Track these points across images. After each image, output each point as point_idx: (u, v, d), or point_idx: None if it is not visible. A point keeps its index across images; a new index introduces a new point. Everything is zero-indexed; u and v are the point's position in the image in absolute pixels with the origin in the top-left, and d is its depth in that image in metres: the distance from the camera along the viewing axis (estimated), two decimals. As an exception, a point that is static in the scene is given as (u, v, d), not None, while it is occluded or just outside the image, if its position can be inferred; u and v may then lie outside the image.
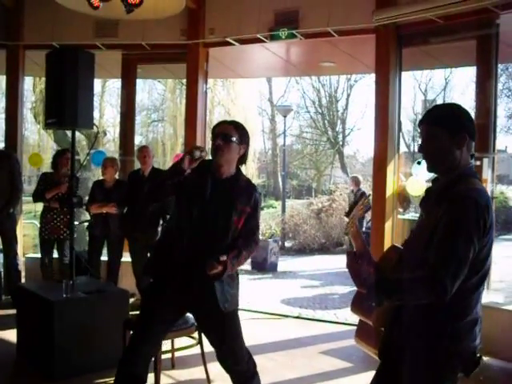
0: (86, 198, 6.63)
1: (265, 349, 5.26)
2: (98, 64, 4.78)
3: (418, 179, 6.00)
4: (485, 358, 2.28)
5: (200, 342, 4.27)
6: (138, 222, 6.03)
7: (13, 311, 5.13)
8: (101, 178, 6.72)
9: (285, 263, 12.27)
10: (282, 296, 8.27)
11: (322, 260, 13.21)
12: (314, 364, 4.91)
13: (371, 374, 2.48)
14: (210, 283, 2.99)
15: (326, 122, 27.93)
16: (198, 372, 4.40)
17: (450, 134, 2.22)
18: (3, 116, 8.74)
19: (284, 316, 6.75)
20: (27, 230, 8.38)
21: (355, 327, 2.69)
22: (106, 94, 21.15)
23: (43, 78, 9.64)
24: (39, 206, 6.60)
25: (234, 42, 6.82)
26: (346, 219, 2.58)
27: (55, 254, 6.60)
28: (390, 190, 6.00)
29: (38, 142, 17.90)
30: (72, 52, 4.64)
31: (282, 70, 9.98)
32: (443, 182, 2.26)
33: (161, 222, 6.10)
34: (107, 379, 4.16)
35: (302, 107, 28.49)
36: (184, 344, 4.48)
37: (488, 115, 5.60)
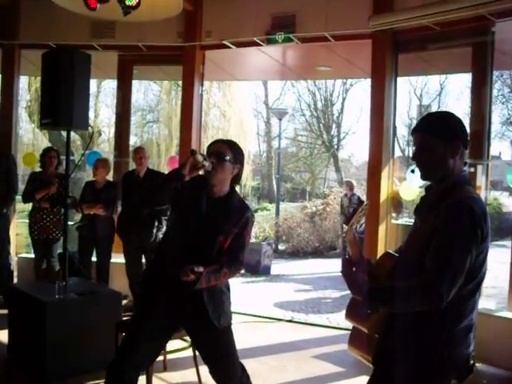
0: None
1: (257, 352, 5.26)
2: (93, 64, 4.77)
3: (411, 184, 6.02)
4: (477, 365, 2.28)
5: (192, 345, 4.26)
6: (132, 223, 6.02)
7: (4, 311, 5.11)
8: (92, 178, 6.71)
9: (278, 266, 12.27)
10: (275, 299, 8.27)
11: (316, 264, 13.21)
12: (307, 368, 4.91)
13: (363, 378, 2.49)
14: (201, 300, 2.97)
15: (321, 125, 27.96)
16: (190, 374, 4.39)
17: (443, 143, 2.22)
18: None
19: (277, 320, 6.75)
20: (20, 229, 8.35)
21: (348, 332, 2.70)
22: (102, 94, 21.16)
23: (38, 77, 9.61)
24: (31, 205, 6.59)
25: (230, 45, 6.83)
26: (346, 227, 2.59)
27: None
28: (384, 194, 6.01)
29: (33, 141, 17.85)
30: (68, 52, 4.63)
31: (278, 74, 9.98)
32: (438, 190, 2.27)
33: (156, 223, 6.08)
34: (99, 381, 4.13)
35: (297, 110, 28.51)
36: (176, 346, 4.47)
37: (482, 122, 5.63)
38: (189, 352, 4.34)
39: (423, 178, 2.32)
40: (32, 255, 6.81)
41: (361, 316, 2.43)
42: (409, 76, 15.82)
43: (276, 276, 11.23)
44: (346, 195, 11.61)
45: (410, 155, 2.36)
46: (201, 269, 2.78)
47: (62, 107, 4.46)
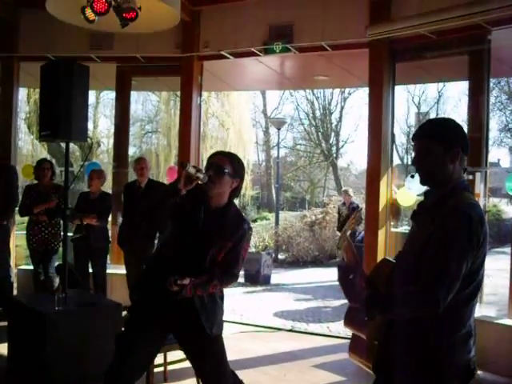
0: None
1: (258, 362, 5.25)
2: (92, 75, 4.79)
3: (408, 191, 6.03)
4: (478, 372, 2.28)
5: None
6: (133, 234, 6.01)
7: (4, 323, 5.09)
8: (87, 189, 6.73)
9: (278, 276, 12.25)
10: (275, 309, 8.25)
11: (316, 273, 13.19)
12: (307, 378, 4.89)
13: (364, 388, 2.48)
14: (194, 308, 2.97)
15: (319, 134, 28.01)
16: (190, 385, 4.38)
17: (443, 149, 2.24)
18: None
19: (277, 329, 6.74)
20: (19, 240, 8.34)
21: (348, 341, 2.70)
22: (101, 105, 21.24)
23: (37, 89, 9.64)
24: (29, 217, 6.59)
25: (228, 56, 6.86)
26: (339, 233, 2.59)
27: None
28: (383, 202, 6.02)
29: (32, 152, 17.88)
30: (67, 64, 4.64)
31: (276, 83, 10.02)
32: (436, 196, 2.27)
33: (157, 234, 6.08)
34: (99, 393, 4.14)
35: (295, 119, 28.63)
36: (176, 357, 4.45)
37: (480, 129, 5.65)
38: (189, 363, 4.32)
39: (422, 183, 2.33)
40: (31, 267, 6.80)
41: (359, 323, 2.43)
42: (406, 84, 15.88)
43: (276, 285, 11.22)
44: (343, 204, 11.62)
45: (410, 162, 2.37)
46: (185, 281, 2.76)
47: (61, 119, 4.46)
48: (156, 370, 4.19)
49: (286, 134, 28.71)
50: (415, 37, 5.73)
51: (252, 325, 6.88)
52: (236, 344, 5.63)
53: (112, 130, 12.74)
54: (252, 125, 24.90)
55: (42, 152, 17.74)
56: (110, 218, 6.94)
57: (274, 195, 22.82)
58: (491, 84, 5.69)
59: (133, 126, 18.26)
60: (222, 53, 6.84)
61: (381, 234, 5.99)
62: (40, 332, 4.28)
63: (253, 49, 6.63)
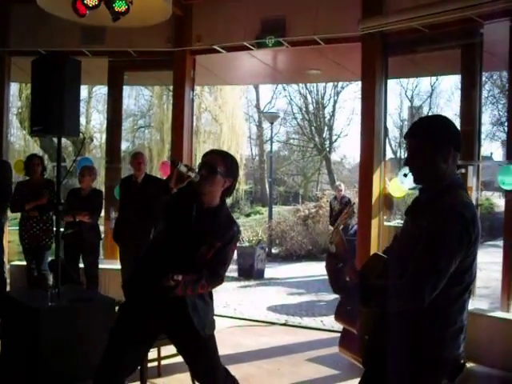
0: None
1: (251, 356, 5.26)
2: (84, 70, 4.76)
3: (400, 184, 6.04)
4: (469, 365, 2.30)
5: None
6: (129, 229, 5.99)
7: (-2, 319, 5.09)
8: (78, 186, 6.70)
9: (271, 270, 12.26)
10: (269, 303, 8.26)
11: (309, 267, 13.21)
12: (301, 371, 4.91)
13: (358, 381, 2.48)
14: (185, 310, 2.96)
15: (312, 128, 28.03)
16: (184, 380, 4.36)
17: (435, 148, 2.24)
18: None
19: (270, 323, 6.75)
20: (12, 236, 8.31)
21: (341, 335, 2.70)
22: (93, 100, 21.16)
23: (29, 84, 9.60)
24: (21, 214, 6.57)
25: (220, 50, 6.85)
26: (332, 228, 2.57)
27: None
28: (375, 196, 6.03)
29: (24, 148, 17.80)
30: (58, 59, 4.61)
31: (269, 77, 10.01)
32: (431, 193, 2.28)
33: (152, 230, 6.06)
34: (93, 388, 4.13)
35: (288, 114, 28.62)
36: (170, 352, 4.45)
37: (473, 123, 5.67)
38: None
39: (416, 182, 2.34)
40: (24, 262, 6.78)
41: (350, 317, 2.44)
42: (399, 78, 15.89)
43: (269, 279, 11.23)
44: (335, 198, 11.65)
45: (403, 157, 2.37)
46: (180, 277, 2.75)
47: (53, 114, 4.43)
48: (150, 364, 4.19)
49: (279, 129, 28.76)
50: (408, 30, 5.73)
51: (246, 319, 6.89)
52: (229, 338, 5.64)
53: (104, 125, 12.69)
54: (245, 119, 24.91)
55: (35, 147, 17.67)
56: (102, 214, 6.93)
57: (268, 189, 22.83)
58: (484, 78, 5.71)
59: (125, 120, 18.20)
60: (215, 47, 6.82)
61: (374, 227, 6.01)
62: (33, 328, 4.27)
63: (245, 43, 6.61)
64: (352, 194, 13.24)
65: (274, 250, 15.07)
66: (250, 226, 15.92)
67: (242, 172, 20.74)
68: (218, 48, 6.83)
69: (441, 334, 2.19)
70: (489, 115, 23.31)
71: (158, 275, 2.85)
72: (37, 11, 5.16)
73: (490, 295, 6.90)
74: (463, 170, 5.53)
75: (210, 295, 3.17)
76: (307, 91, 27.31)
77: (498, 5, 4.95)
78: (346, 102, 41.39)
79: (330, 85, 26.59)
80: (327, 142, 28.37)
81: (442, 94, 37.56)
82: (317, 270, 12.43)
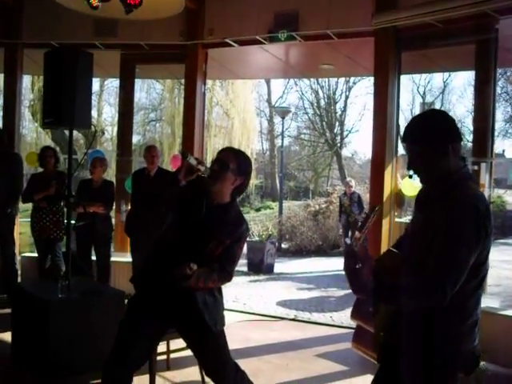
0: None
1: (260, 351, 5.25)
2: (96, 63, 4.77)
3: (413, 181, 5.99)
4: (481, 363, 2.28)
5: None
6: (141, 222, 5.99)
7: (8, 310, 5.11)
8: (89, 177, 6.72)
9: (281, 265, 12.26)
10: (278, 298, 8.26)
11: (319, 262, 13.20)
12: (310, 367, 4.90)
13: (367, 377, 2.48)
14: (196, 306, 2.96)
15: (324, 123, 27.97)
16: (193, 373, 4.39)
17: (430, 147, 2.22)
18: (1, 114, 8.74)
19: (280, 318, 6.74)
20: (23, 228, 8.35)
21: (351, 330, 2.69)
22: (105, 93, 21.23)
23: (41, 76, 9.63)
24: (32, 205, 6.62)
25: (233, 43, 6.83)
26: (358, 234, 2.53)
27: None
28: (387, 192, 6.00)
29: (36, 140, 17.90)
30: (71, 52, 4.62)
31: (281, 72, 9.98)
32: (441, 188, 2.25)
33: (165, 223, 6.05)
34: (102, 380, 4.15)
35: (300, 108, 28.58)
36: (179, 346, 4.46)
37: (486, 119, 5.61)
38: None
39: (422, 183, 2.35)
40: (35, 254, 6.82)
41: (366, 315, 2.42)
42: (412, 74, 15.82)
43: (279, 274, 11.22)
44: (345, 194, 11.63)
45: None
46: (195, 267, 2.76)
47: (65, 106, 4.44)
48: (159, 358, 4.19)
49: (291, 123, 28.72)
50: (421, 25, 5.68)
51: (255, 314, 6.89)
52: (239, 333, 5.64)
53: (116, 118, 12.73)
54: (256, 114, 24.87)
55: (46, 140, 17.76)
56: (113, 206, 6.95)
57: (278, 184, 22.81)
58: (497, 74, 5.65)
59: (137, 114, 18.28)
60: (227, 40, 6.80)
61: (385, 224, 5.98)
62: (43, 319, 4.29)
63: (258, 37, 6.59)
64: (363, 190, 13.21)
65: (283, 245, 15.07)
66: (260, 221, 15.91)
67: (252, 167, 20.69)
68: (230, 42, 6.80)
69: (457, 329, 2.18)
70: (502, 112, 23.17)
71: (167, 270, 2.86)
72: (50, 4, 5.17)
73: (501, 293, 6.86)
74: (476, 167, 5.49)
75: (220, 291, 3.17)
76: (319, 86, 27.30)
77: (513, 0, 4.90)
78: (358, 98, 41.38)
79: (341, 80, 26.55)
80: (338, 138, 28.31)
81: (455, 91, 37.33)
82: (327, 265, 12.43)
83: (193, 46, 7.03)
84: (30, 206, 6.79)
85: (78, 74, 4.49)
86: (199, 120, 7.19)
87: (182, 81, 8.58)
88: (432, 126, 2.26)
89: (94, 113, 16.01)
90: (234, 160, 3.02)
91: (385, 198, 5.97)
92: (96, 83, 18.06)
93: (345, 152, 29.27)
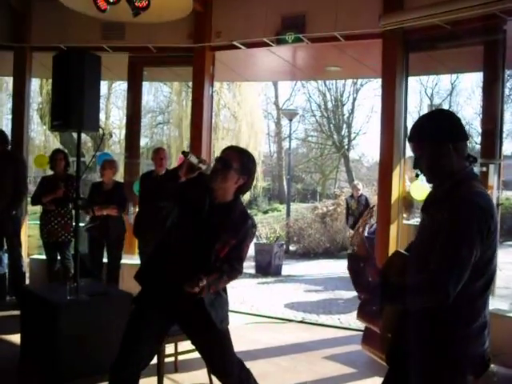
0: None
1: (268, 353, 5.25)
2: (104, 66, 4.79)
3: (422, 184, 5.98)
4: (491, 366, 2.27)
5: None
6: (150, 224, 5.99)
7: (17, 312, 5.14)
8: (99, 179, 6.74)
9: (289, 267, 12.25)
10: (286, 300, 8.25)
11: (327, 264, 13.18)
12: (318, 369, 4.89)
13: (376, 379, 2.48)
14: (202, 305, 2.96)
15: (331, 125, 27.91)
16: (200, 375, 4.39)
17: (431, 146, 2.24)
18: (10, 117, 8.80)
19: (288, 320, 6.74)
20: (32, 230, 8.39)
21: (359, 332, 2.68)
22: (113, 95, 21.27)
23: (50, 80, 9.67)
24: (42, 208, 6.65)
25: (240, 46, 6.83)
26: (352, 231, 2.56)
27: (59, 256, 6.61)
28: (395, 195, 5.98)
29: (44, 143, 18.00)
30: (79, 54, 4.65)
31: (288, 74, 9.97)
32: (445, 188, 2.26)
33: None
34: (110, 382, 4.16)
35: (307, 111, 28.50)
36: (187, 348, 4.46)
37: (494, 121, 5.59)
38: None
39: (428, 181, 2.35)
40: (43, 256, 6.84)
41: (372, 316, 2.42)
42: (419, 75, 15.78)
43: (287, 277, 11.22)
44: (352, 196, 11.61)
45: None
46: (204, 281, 2.72)
47: (73, 109, 4.47)
48: (167, 360, 4.19)
49: (298, 126, 28.65)
50: (429, 27, 5.66)
51: (263, 316, 6.88)
52: (246, 335, 5.64)
53: (124, 121, 12.77)
54: (264, 116, 24.89)
55: (55, 142, 17.84)
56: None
57: (286, 187, 22.79)
58: (506, 75, 5.63)
59: (144, 116, 18.31)
60: (234, 43, 6.80)
61: (393, 226, 5.96)
62: (51, 321, 4.31)
63: (265, 39, 6.59)
64: (370, 193, 13.19)
65: (291, 247, 15.06)
66: (268, 223, 15.92)
67: (260, 169, 20.74)
68: (237, 44, 6.81)
69: (465, 331, 2.17)
70: (510, 113, 23.05)
71: (171, 271, 2.91)
72: (58, 7, 5.19)
73: (510, 295, 6.81)
74: (484, 169, 5.47)
75: (225, 289, 3.18)
76: (326, 88, 27.20)
77: (522, 1, 4.88)
78: (365, 100, 41.20)
79: (349, 82, 26.46)
80: (346, 140, 28.24)
81: (462, 92, 37.07)
82: (334, 267, 12.41)
83: (200, 49, 7.04)
84: (38, 208, 6.81)
85: (86, 76, 4.51)
86: (207, 122, 7.20)
87: (190, 83, 8.61)
88: (433, 125, 2.28)
89: (101, 116, 16.05)
90: (237, 159, 3.02)
91: (393, 201, 5.96)
92: (104, 86, 18.13)
93: (352, 154, 29.22)
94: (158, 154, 6.26)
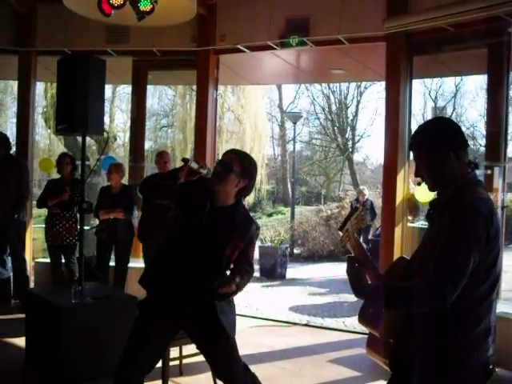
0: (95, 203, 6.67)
1: (273, 357, 5.24)
2: (108, 70, 4.80)
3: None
4: (496, 369, 2.25)
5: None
6: (154, 227, 6.00)
7: (22, 316, 5.15)
8: (108, 183, 6.75)
9: (293, 270, 12.23)
10: (291, 303, 8.24)
11: (331, 267, 13.15)
12: (323, 372, 4.88)
13: (380, 383, 2.46)
14: (214, 312, 2.97)
15: (335, 128, 27.92)
16: (205, 379, 4.39)
17: (431, 155, 2.24)
18: (14, 120, 8.82)
19: (292, 324, 6.73)
20: (37, 234, 8.41)
21: (364, 335, 2.67)
22: (117, 99, 21.31)
23: (54, 83, 9.70)
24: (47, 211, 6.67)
25: (244, 49, 6.84)
26: (340, 233, 2.55)
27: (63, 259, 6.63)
28: (399, 197, 5.98)
29: (49, 146, 18.04)
30: (83, 58, 4.66)
31: (292, 77, 9.99)
32: (446, 194, 2.26)
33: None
34: (115, 385, 4.16)
35: (311, 114, 28.50)
36: (192, 351, 4.46)
37: (499, 123, 5.59)
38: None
39: (430, 190, 2.34)
40: (48, 260, 6.85)
41: (372, 320, 2.41)
42: (423, 78, 15.76)
43: (291, 280, 11.20)
44: (357, 200, 11.58)
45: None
46: (237, 280, 2.72)
47: (78, 112, 4.49)
48: (171, 363, 4.20)
49: (302, 129, 28.62)
50: (433, 30, 5.67)
51: (267, 319, 6.88)
52: (251, 338, 5.63)
53: (128, 124, 12.81)
54: (268, 119, 24.90)
55: (59, 146, 17.87)
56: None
57: (290, 190, 22.81)
58: (511, 78, 5.62)
59: (149, 120, 18.33)
60: (238, 46, 6.82)
61: (397, 229, 5.95)
62: (56, 325, 4.31)
63: (269, 42, 6.60)
64: (374, 195, 13.17)
65: (296, 251, 15.02)
66: (272, 226, 15.91)
67: (264, 172, 20.74)
68: (241, 47, 6.82)
69: (466, 337, 2.15)
70: (515, 116, 22.98)
71: (176, 276, 2.93)
72: (62, 11, 5.19)
73: (516, 298, 6.78)
74: (489, 171, 5.47)
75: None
76: (330, 91, 27.23)
77: (526, 3, 4.87)
78: (369, 103, 41.15)
79: (352, 85, 26.48)
80: (350, 143, 28.23)
81: (467, 95, 36.97)
82: (339, 270, 12.36)
83: (204, 52, 7.05)
84: (43, 212, 6.83)
85: (91, 80, 4.53)
86: (211, 126, 7.21)
87: (194, 87, 8.62)
88: (433, 133, 2.28)
89: (106, 119, 16.12)
90: (238, 162, 3.03)
91: (397, 203, 5.95)
92: (108, 90, 18.16)
93: (356, 157, 29.21)
94: (162, 157, 6.26)
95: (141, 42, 7.10)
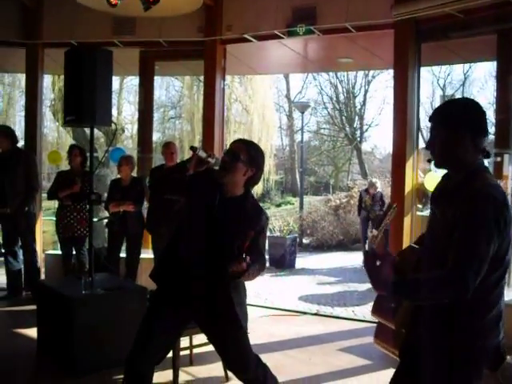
0: (105, 194, 6.69)
1: (283, 346, 5.26)
2: (115, 61, 4.80)
3: (436, 174, 5.94)
4: (507, 357, 2.25)
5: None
6: (162, 218, 6.01)
7: (33, 307, 5.19)
8: (118, 176, 6.77)
9: (303, 260, 12.25)
10: (300, 293, 8.26)
11: (340, 257, 13.16)
12: (333, 361, 4.89)
13: (391, 371, 2.46)
14: (231, 302, 2.99)
15: (343, 118, 27.82)
16: (216, 369, 4.41)
17: (449, 133, 2.21)
18: (23, 114, 8.85)
19: (302, 313, 6.74)
20: (47, 226, 8.45)
21: (374, 324, 2.67)
22: (124, 91, 21.34)
23: (62, 76, 9.71)
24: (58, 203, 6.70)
25: (251, 39, 6.81)
26: (375, 231, 2.52)
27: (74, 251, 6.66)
28: (408, 186, 5.95)
29: (57, 139, 18.11)
30: (90, 50, 4.67)
31: (300, 66, 9.94)
32: (456, 180, 2.24)
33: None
34: (126, 375, 4.18)
35: (319, 103, 28.41)
36: (202, 341, 4.48)
37: (508, 111, 5.54)
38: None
39: (436, 166, 2.32)
40: (58, 251, 6.89)
41: (387, 312, 2.41)
42: (432, 66, 15.64)
43: (301, 269, 11.21)
44: (366, 191, 11.53)
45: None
46: (248, 260, 2.72)
47: (85, 104, 4.49)
48: (182, 353, 4.22)
49: (310, 118, 28.56)
50: (441, 16, 5.61)
51: (277, 308, 6.89)
52: (261, 327, 5.65)
53: (136, 116, 12.82)
54: (275, 109, 24.83)
55: (67, 139, 17.93)
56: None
57: (298, 180, 22.76)
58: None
59: (156, 111, 18.35)
60: (245, 36, 6.79)
61: (406, 218, 5.93)
62: (67, 316, 4.34)
63: (276, 31, 6.57)
64: (383, 185, 13.12)
65: (305, 240, 15.03)
66: (281, 216, 15.89)
67: (272, 162, 20.73)
68: (248, 37, 6.79)
69: (480, 323, 2.15)
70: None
71: (190, 267, 2.93)
72: (69, 2, 5.22)
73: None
74: (498, 159, 5.43)
75: (244, 286, 3.19)
76: (338, 80, 27.11)
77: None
78: (377, 92, 40.97)
79: (360, 74, 26.35)
80: (358, 132, 28.14)
81: (475, 83, 36.67)
82: (348, 259, 12.40)
83: (211, 42, 7.03)
84: (53, 204, 6.86)
85: (98, 72, 4.53)
86: (219, 116, 7.20)
87: (201, 77, 8.60)
88: (458, 110, 2.26)
89: (113, 111, 16.13)
90: (245, 151, 3.03)
91: (406, 192, 5.93)
92: (116, 81, 18.17)
93: (365, 146, 29.10)
94: (169, 147, 6.27)
95: (147, 33, 7.09)
